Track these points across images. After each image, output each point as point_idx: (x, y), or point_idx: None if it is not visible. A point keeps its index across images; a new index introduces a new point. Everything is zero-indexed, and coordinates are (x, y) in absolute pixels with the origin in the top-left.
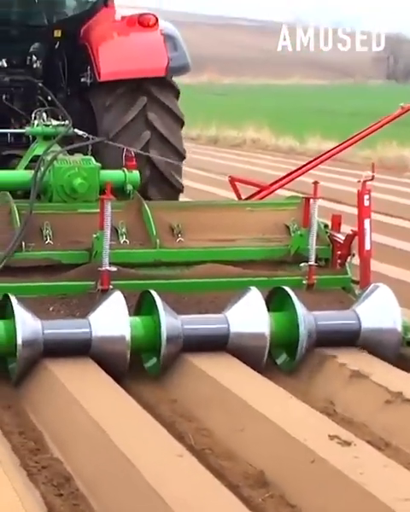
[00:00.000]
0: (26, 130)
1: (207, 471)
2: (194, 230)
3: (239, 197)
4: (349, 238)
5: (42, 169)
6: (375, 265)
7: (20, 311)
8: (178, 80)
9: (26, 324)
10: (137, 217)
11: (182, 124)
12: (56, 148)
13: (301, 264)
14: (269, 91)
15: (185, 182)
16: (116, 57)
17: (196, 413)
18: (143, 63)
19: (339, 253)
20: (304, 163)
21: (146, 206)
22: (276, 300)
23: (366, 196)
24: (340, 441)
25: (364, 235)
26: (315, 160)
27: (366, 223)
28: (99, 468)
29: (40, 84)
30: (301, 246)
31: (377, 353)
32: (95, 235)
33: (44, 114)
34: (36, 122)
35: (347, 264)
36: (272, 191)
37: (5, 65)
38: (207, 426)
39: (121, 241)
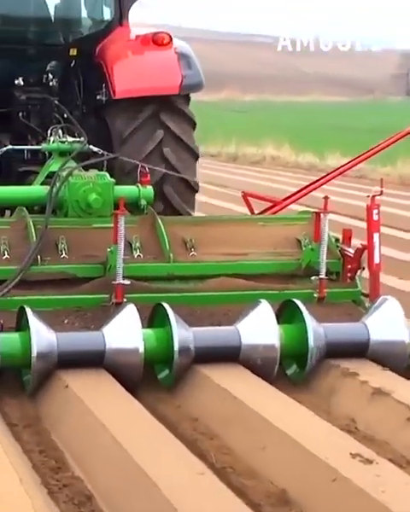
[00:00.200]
0: (43, 146)
1: (229, 489)
2: (207, 244)
3: (252, 212)
4: (359, 252)
5: (57, 184)
6: (385, 279)
7: (34, 324)
8: (197, 97)
9: (41, 336)
10: (151, 231)
11: (194, 125)
12: (72, 164)
13: (312, 278)
14: (289, 108)
15: (204, 198)
16: (131, 75)
17: (217, 431)
18: (157, 81)
19: (349, 266)
20: (317, 178)
21: (160, 220)
22: (286, 313)
23: (375, 211)
24: (362, 459)
25: (373, 249)
26: (327, 175)
27: (376, 237)
28: (120, 486)
29: (56, 102)
30: (312, 259)
31: (385, 365)
32: (109, 249)
33: (60, 131)
34: (52, 139)
35: (357, 278)
36: (285, 206)
37: (22, 83)
38: (228, 444)
39: (135, 255)
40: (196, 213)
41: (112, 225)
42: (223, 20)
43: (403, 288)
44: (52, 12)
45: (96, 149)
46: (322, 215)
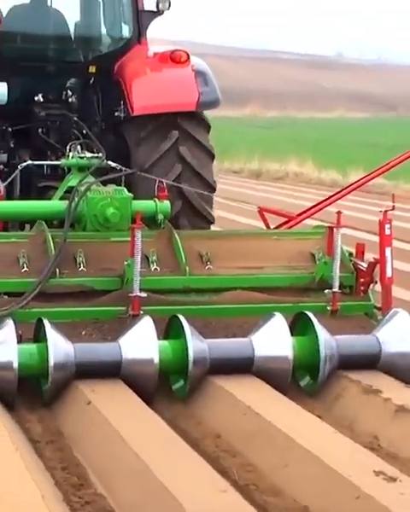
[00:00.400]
0: (62, 162)
1: (252, 507)
2: (222, 258)
3: (268, 227)
4: (371, 266)
5: (76, 199)
6: (397, 292)
7: (52, 335)
8: (220, 113)
9: (58, 347)
10: (168, 245)
11: (212, 157)
12: (90, 179)
13: (326, 291)
14: (312, 124)
15: (225, 214)
16: (149, 92)
17: (239, 447)
18: (174, 98)
19: (362, 280)
20: (331, 194)
21: (176, 234)
22: (300, 325)
23: (387, 225)
24: (385, 477)
25: (385, 263)
26: (342, 190)
27: (388, 251)
28: (143, 504)
29: (75, 118)
30: (326, 273)
31: (396, 376)
32: (126, 263)
33: (79, 147)
34: (71, 154)
35: (370, 291)
36: (300, 221)
37: (42, 100)
38: (251, 461)
39: (152, 269)
40: (216, 228)
41: (129, 239)
42: (246, 37)
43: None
44: (72, 30)
45: (114, 165)
46: (335, 230)
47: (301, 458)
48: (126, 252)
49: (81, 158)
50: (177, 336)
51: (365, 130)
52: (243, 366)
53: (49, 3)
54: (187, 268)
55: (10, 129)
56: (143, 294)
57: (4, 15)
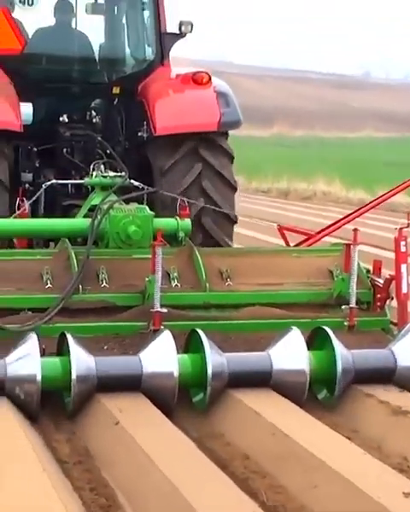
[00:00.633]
0: (85, 181)
1: None
2: (242, 275)
3: (287, 244)
4: (387, 282)
5: (99, 217)
6: None
7: (75, 348)
8: (249, 132)
9: (81, 360)
10: (189, 262)
11: (232, 159)
12: (113, 197)
13: (343, 307)
14: (340, 144)
15: (253, 233)
16: (171, 113)
17: (268, 469)
18: (196, 118)
19: (379, 296)
20: (350, 212)
21: (197, 251)
22: (317, 340)
23: (403, 242)
24: None
25: (401, 280)
26: (360, 209)
27: (403, 267)
28: None
29: (99, 138)
30: (343, 289)
31: None
32: (147, 279)
33: (102, 166)
34: (94, 173)
35: (386, 307)
36: (319, 239)
37: (66, 120)
38: (280, 482)
39: (173, 285)
40: (241, 246)
41: (150, 256)
42: (274, 56)
43: None
44: (96, 52)
45: (136, 183)
46: (352, 247)
47: (330, 479)
48: (148, 268)
49: (104, 177)
50: (196, 350)
51: (392, 150)
52: (261, 379)
53: (73, 25)
54: (207, 284)
55: (36, 148)
56: (164, 310)
57: (30, 37)
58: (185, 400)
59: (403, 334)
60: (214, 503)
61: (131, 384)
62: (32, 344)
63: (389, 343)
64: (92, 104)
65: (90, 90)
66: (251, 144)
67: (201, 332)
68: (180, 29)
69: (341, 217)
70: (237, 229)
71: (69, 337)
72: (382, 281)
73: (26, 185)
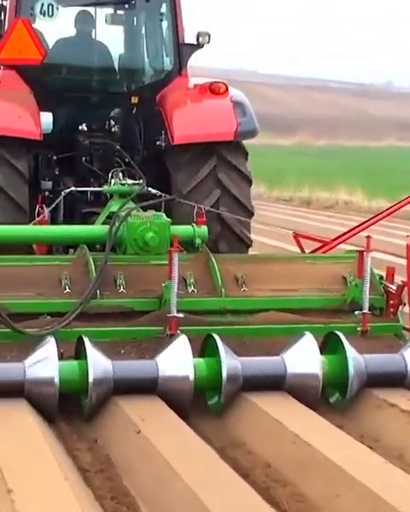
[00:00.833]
0: (104, 188)
1: None
2: (257, 281)
3: (303, 251)
4: (400, 288)
5: (117, 224)
6: None
7: (92, 352)
8: (271, 141)
9: (98, 363)
10: (205, 268)
11: (250, 183)
12: (131, 205)
13: (356, 312)
14: (362, 153)
15: (274, 242)
16: (189, 122)
17: (290, 477)
18: (213, 128)
19: (392, 302)
20: (365, 220)
21: (213, 258)
22: (330, 344)
23: None
24: None
25: None
26: (375, 216)
27: None
28: None
29: (118, 147)
30: (356, 295)
31: None
32: (164, 284)
33: (121, 174)
34: (112, 181)
35: (399, 313)
36: (334, 246)
37: (85, 129)
38: (301, 491)
39: (189, 290)
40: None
41: (167, 262)
42: (297, 65)
43: None
44: (116, 62)
45: (154, 191)
46: (365, 253)
47: (352, 488)
48: (165, 274)
49: (122, 185)
50: (211, 354)
51: None
52: (275, 383)
53: (93, 36)
54: (223, 290)
55: (55, 157)
56: (180, 315)
57: (50, 48)
58: (205, 409)
59: None
60: None
61: (147, 387)
62: (50, 347)
63: (401, 348)
64: (111, 113)
65: (109, 100)
66: (273, 153)
67: (216, 336)
68: (198, 40)
69: (375, 230)
70: (256, 237)
71: (86, 341)
72: (395, 287)
73: (46, 193)
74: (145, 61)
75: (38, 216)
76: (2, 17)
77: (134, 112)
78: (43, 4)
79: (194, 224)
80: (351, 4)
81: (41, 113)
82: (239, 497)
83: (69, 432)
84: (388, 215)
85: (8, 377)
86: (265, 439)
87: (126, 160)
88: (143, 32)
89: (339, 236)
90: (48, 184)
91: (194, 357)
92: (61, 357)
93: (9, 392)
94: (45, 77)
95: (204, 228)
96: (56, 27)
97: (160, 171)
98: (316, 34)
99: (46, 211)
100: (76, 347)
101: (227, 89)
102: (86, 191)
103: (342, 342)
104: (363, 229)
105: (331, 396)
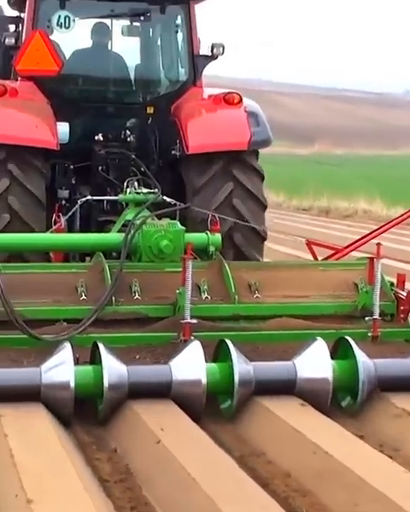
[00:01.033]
0: (119, 197)
1: None
2: (270, 287)
3: (315, 258)
4: (409, 295)
5: (132, 232)
6: None
7: (107, 357)
8: (290, 150)
9: (113, 368)
10: (219, 275)
11: (262, 177)
12: (146, 213)
13: (366, 318)
14: (380, 162)
15: (290, 250)
16: (203, 132)
17: (310, 487)
18: (227, 137)
19: (402, 308)
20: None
21: (226, 265)
22: (341, 349)
23: None
24: None
25: None
26: (386, 224)
27: None
28: None
29: (133, 156)
30: (368, 301)
31: None
32: (178, 291)
33: (136, 183)
34: (128, 190)
35: (409, 319)
36: (347, 253)
37: (102, 139)
38: (321, 501)
39: (203, 297)
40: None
41: (181, 269)
42: (315, 75)
43: None
44: (131, 73)
45: (169, 200)
46: (375, 260)
47: (372, 498)
48: (179, 281)
49: (138, 193)
50: (224, 359)
51: None
52: (286, 387)
53: (109, 47)
54: (236, 296)
55: (72, 166)
56: (194, 321)
57: (67, 59)
58: (221, 415)
59: None
60: None
61: (161, 391)
62: (66, 353)
63: None
64: (127, 123)
65: (125, 110)
66: (292, 162)
67: (228, 341)
68: (212, 51)
69: (383, 235)
70: (274, 245)
71: (101, 346)
72: (405, 293)
73: (63, 201)
74: (161, 71)
75: (55, 224)
76: (20, 29)
77: (149, 122)
78: (60, 16)
79: (208, 232)
80: (371, 15)
81: (58, 124)
82: (259, 507)
83: (89, 442)
84: (399, 223)
85: (26, 382)
86: (284, 448)
87: (142, 169)
88: (159, 43)
89: (351, 244)
90: (65, 193)
91: (207, 361)
92: (76, 362)
93: (26, 396)
94: (62, 88)
95: (218, 236)
96: (73, 39)
97: (174, 180)
98: (334, 43)
99: (63, 219)
100: (91, 353)
101: (241, 99)
102: (102, 200)
103: (352, 347)
104: (374, 237)
105: (343, 400)
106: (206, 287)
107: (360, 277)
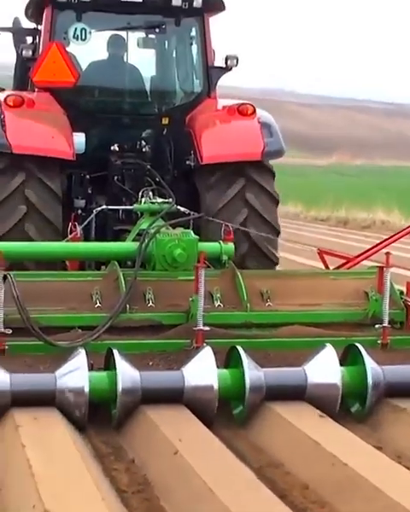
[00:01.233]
0: (135, 207)
1: None
2: (282, 296)
3: (327, 267)
4: None
5: (146, 241)
6: None
7: (121, 363)
8: (309, 161)
9: (126, 374)
10: (231, 283)
11: (277, 203)
12: (160, 222)
13: (376, 326)
14: (398, 173)
15: (304, 260)
16: (217, 143)
17: (328, 499)
18: (241, 148)
19: None
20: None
21: (239, 273)
22: (350, 356)
23: None
24: None
25: None
26: (396, 234)
27: None
28: None
29: (148, 167)
30: (377, 310)
31: None
32: (191, 299)
33: (151, 193)
34: (143, 200)
35: None
36: (358, 262)
37: (117, 149)
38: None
39: (216, 305)
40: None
41: (194, 278)
42: (334, 85)
43: None
44: (147, 84)
45: (183, 209)
46: (385, 269)
47: (390, 509)
48: (192, 289)
49: (152, 203)
50: (235, 365)
51: None
52: (296, 393)
53: (125, 59)
54: (248, 304)
55: (88, 176)
56: (207, 328)
57: (83, 70)
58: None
59: None
60: None
61: (173, 397)
62: (80, 359)
63: None
64: (142, 134)
65: (140, 121)
66: (311, 173)
67: (240, 348)
68: (226, 63)
69: (399, 246)
70: (288, 255)
71: (115, 352)
72: None
73: (79, 211)
74: (175, 83)
75: (71, 233)
76: (37, 41)
77: (164, 133)
78: (76, 28)
79: (221, 241)
80: (395, 25)
81: (74, 134)
82: None
83: (106, 452)
84: (407, 233)
85: (41, 387)
86: (302, 459)
87: (157, 179)
88: (174, 55)
89: (362, 253)
90: (81, 203)
91: (218, 368)
92: (91, 368)
93: (42, 401)
94: (78, 99)
95: (231, 245)
96: (89, 51)
97: (189, 190)
98: (354, 55)
99: (79, 228)
100: (105, 359)
101: (255, 110)
102: (118, 209)
103: (361, 354)
104: (385, 246)
105: (352, 406)
106: (218, 295)
107: (370, 286)
